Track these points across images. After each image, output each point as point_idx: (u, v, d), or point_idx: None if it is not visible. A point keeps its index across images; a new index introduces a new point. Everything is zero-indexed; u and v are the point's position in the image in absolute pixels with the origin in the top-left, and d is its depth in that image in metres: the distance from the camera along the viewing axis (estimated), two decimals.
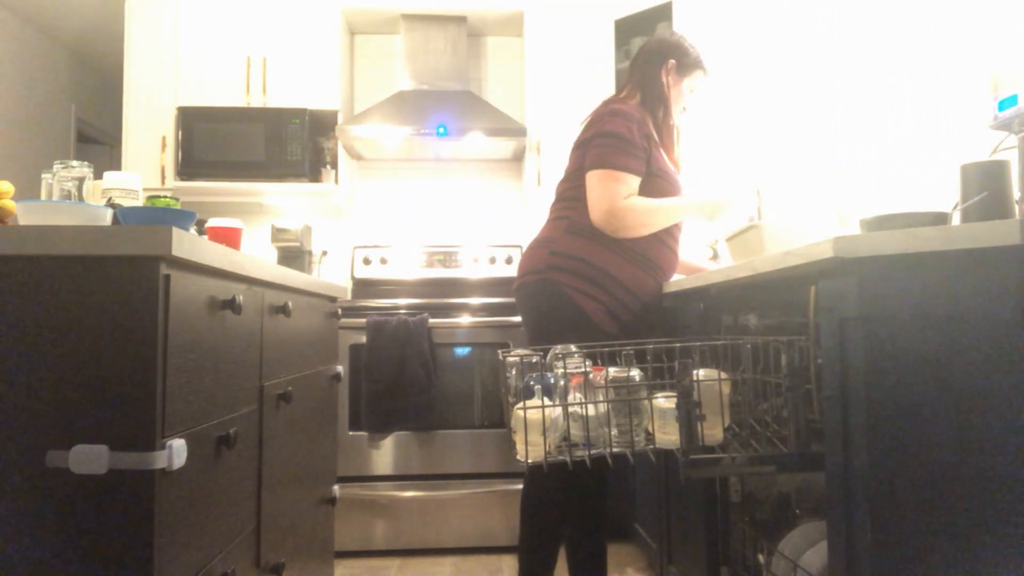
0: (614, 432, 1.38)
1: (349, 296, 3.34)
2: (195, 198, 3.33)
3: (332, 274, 3.56)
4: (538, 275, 1.97)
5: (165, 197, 1.58)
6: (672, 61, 2.06)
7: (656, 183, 1.97)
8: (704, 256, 3.04)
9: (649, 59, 2.08)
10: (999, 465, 1.03)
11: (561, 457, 1.36)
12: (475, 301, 2.88)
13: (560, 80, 3.28)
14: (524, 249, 2.15)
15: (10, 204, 1.31)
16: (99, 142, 4.94)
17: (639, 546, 2.60)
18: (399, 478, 2.80)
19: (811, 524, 1.46)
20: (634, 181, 1.91)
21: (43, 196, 1.50)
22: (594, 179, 1.91)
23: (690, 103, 2.12)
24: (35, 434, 1.00)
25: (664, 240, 2.01)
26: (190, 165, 3.13)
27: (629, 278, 1.94)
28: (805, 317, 1.28)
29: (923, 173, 2.12)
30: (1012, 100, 1.39)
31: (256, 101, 3.20)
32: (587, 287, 1.91)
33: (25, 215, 1.19)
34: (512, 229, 3.62)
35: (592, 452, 1.37)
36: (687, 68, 2.06)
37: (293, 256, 3.20)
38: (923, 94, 2.14)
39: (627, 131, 1.91)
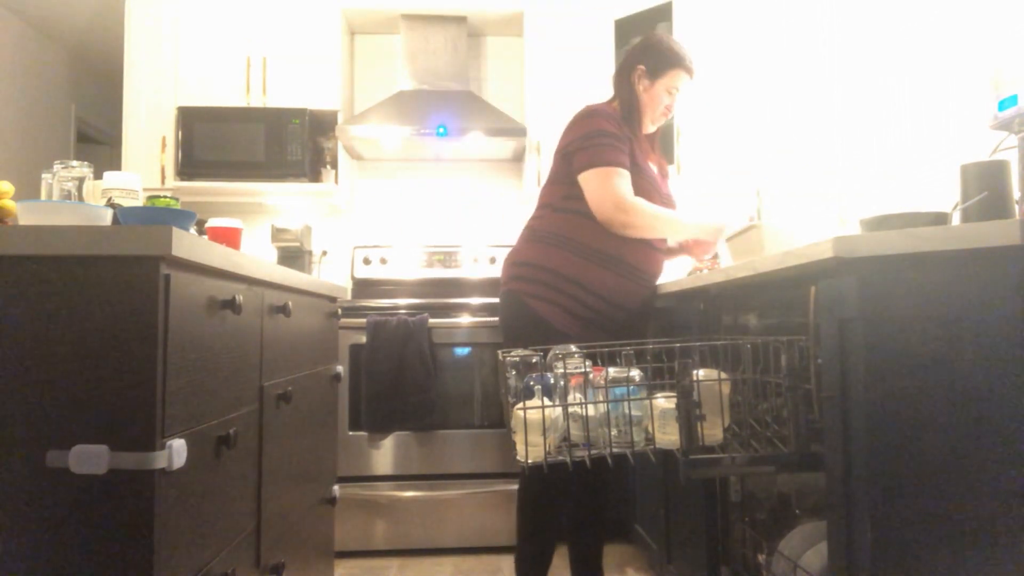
0: (614, 432, 1.38)
1: (349, 296, 3.33)
2: (195, 198, 3.33)
3: (332, 274, 3.56)
4: (504, 287, 2.04)
5: (165, 197, 1.58)
6: (641, 67, 2.04)
7: (634, 178, 1.98)
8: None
9: (621, 68, 2.10)
10: (999, 465, 1.03)
11: (561, 457, 1.36)
12: (475, 301, 2.88)
13: (560, 80, 3.28)
14: None
15: (10, 204, 1.31)
16: (99, 142, 4.94)
17: (639, 546, 2.60)
18: (399, 478, 2.80)
19: (811, 524, 1.46)
20: (628, 176, 1.95)
21: (43, 196, 1.50)
22: (592, 179, 1.93)
23: (673, 104, 2.07)
24: (35, 434, 1.00)
25: (651, 244, 2.02)
26: (190, 165, 3.13)
27: (584, 275, 1.94)
28: (805, 317, 1.28)
29: (923, 173, 2.12)
30: (1012, 100, 1.39)
31: (256, 101, 3.20)
32: (542, 291, 1.95)
33: (25, 215, 1.19)
34: (512, 229, 3.61)
35: (592, 452, 1.37)
36: (658, 71, 2.03)
37: (293, 256, 3.19)
38: (923, 94, 2.14)
39: (611, 126, 1.96)
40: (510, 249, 2.12)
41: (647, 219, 1.93)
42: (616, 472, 1.87)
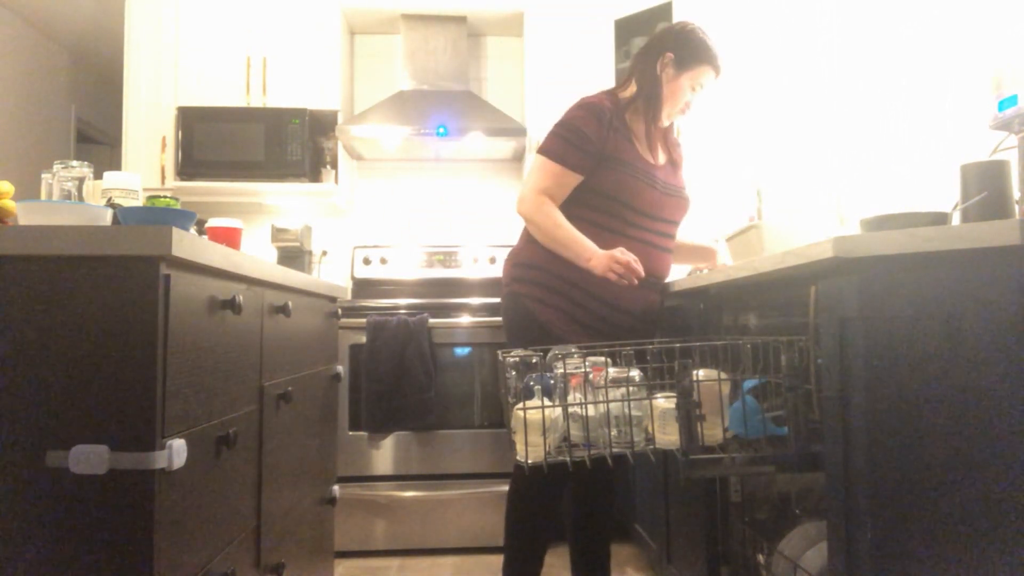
0: (614, 432, 1.38)
1: (349, 296, 3.34)
2: (195, 198, 3.33)
3: (332, 274, 3.56)
4: (506, 288, 2.00)
5: (165, 197, 1.58)
6: (669, 54, 1.92)
7: (615, 172, 1.89)
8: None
9: (647, 50, 1.98)
10: (998, 465, 1.03)
11: (561, 458, 1.36)
12: (475, 301, 2.88)
13: (560, 80, 3.28)
14: None
15: (10, 204, 1.31)
16: (99, 142, 4.94)
17: (639, 546, 2.60)
18: (399, 478, 2.80)
19: (811, 524, 1.46)
20: (566, 175, 1.87)
21: (43, 196, 1.50)
22: (532, 163, 1.93)
23: (694, 100, 1.96)
24: (35, 434, 1.00)
25: (652, 243, 1.95)
26: (190, 165, 3.13)
27: (586, 279, 1.87)
28: (805, 317, 1.28)
29: (923, 173, 2.12)
30: (1012, 100, 1.38)
31: (256, 101, 3.20)
32: (545, 295, 1.90)
33: (25, 215, 1.19)
34: (512, 229, 3.61)
35: (592, 452, 1.37)
36: (686, 62, 1.91)
37: (293, 256, 3.19)
38: (923, 94, 2.14)
39: (582, 123, 1.87)
40: (511, 248, 2.07)
41: (541, 227, 1.87)
42: (619, 471, 1.84)
